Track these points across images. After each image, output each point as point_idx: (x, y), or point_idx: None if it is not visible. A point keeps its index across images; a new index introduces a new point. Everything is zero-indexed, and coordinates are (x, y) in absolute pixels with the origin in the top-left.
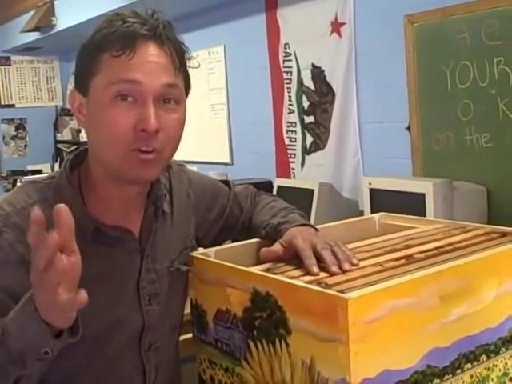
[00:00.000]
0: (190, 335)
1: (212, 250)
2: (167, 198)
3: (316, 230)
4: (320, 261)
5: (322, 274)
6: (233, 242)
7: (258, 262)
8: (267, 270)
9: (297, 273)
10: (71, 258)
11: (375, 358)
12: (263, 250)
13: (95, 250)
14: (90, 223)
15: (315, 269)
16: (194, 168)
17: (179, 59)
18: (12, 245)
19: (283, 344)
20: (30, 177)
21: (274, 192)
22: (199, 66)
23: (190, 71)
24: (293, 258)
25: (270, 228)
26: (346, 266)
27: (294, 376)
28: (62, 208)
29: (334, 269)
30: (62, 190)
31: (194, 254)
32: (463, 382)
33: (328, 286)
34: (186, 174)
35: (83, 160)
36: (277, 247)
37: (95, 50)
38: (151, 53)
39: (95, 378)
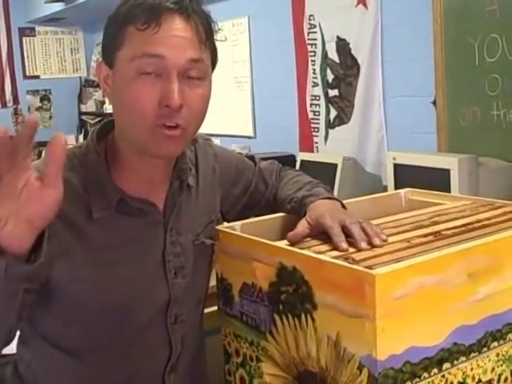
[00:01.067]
0: (215, 308)
1: (238, 224)
2: (193, 171)
3: (342, 203)
4: (349, 236)
5: (350, 250)
6: (257, 217)
7: (284, 237)
8: (294, 245)
9: (324, 248)
10: (45, 190)
11: (402, 335)
12: (289, 234)
13: (118, 219)
14: (114, 193)
15: (344, 245)
16: (217, 141)
17: (205, 33)
18: None
19: (309, 319)
20: None
21: (297, 166)
22: (226, 39)
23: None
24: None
25: (295, 202)
26: (377, 241)
27: (319, 351)
28: (60, 139)
29: (363, 245)
30: (89, 159)
31: (219, 227)
32: (489, 360)
33: (355, 262)
34: (212, 148)
35: (110, 131)
36: (303, 227)
37: (121, 23)
38: (176, 27)
39: (122, 350)
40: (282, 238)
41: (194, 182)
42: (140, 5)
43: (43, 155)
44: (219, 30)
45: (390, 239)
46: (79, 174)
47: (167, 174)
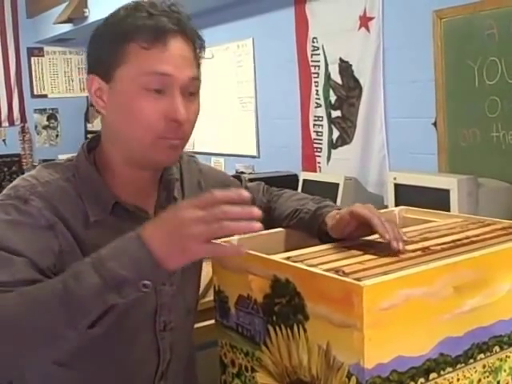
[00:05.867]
0: (211, 321)
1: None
2: (178, 185)
3: None
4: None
5: (340, 263)
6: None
7: (279, 251)
8: (287, 258)
9: (316, 261)
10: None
11: (389, 345)
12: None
13: (112, 223)
14: (109, 197)
15: (388, 236)
16: (221, 160)
17: (199, 52)
18: (41, 211)
19: (301, 329)
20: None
21: (300, 185)
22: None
23: (218, 63)
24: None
25: (306, 213)
26: (400, 246)
27: (310, 360)
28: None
29: (395, 244)
30: (82, 170)
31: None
32: (476, 371)
33: (345, 274)
34: (197, 164)
35: (97, 145)
36: (346, 217)
37: (121, 39)
38: (180, 46)
39: (112, 357)
40: (277, 252)
41: (179, 195)
42: (144, 25)
43: None
44: (205, 47)
45: (381, 254)
46: (73, 184)
47: (154, 185)
